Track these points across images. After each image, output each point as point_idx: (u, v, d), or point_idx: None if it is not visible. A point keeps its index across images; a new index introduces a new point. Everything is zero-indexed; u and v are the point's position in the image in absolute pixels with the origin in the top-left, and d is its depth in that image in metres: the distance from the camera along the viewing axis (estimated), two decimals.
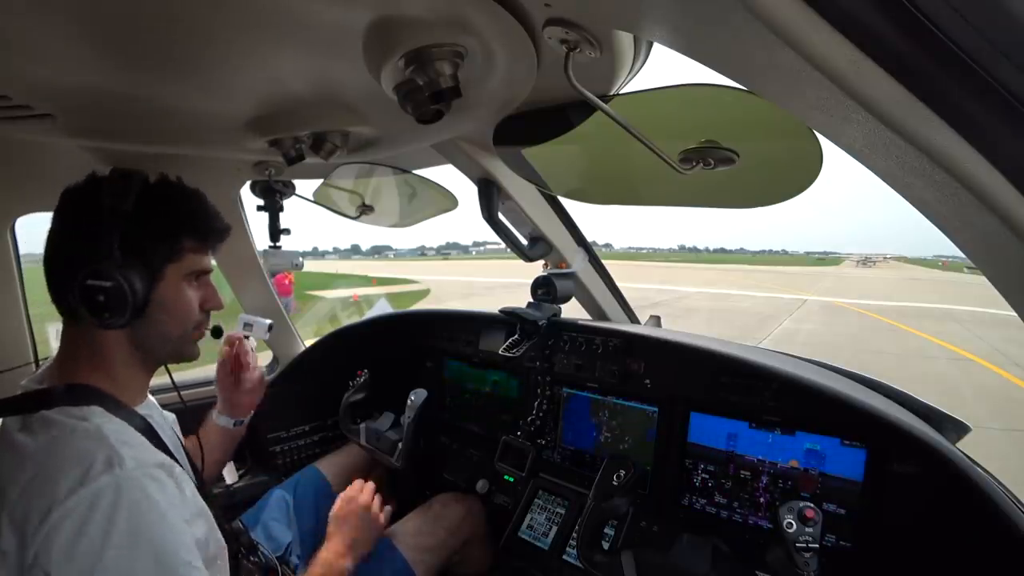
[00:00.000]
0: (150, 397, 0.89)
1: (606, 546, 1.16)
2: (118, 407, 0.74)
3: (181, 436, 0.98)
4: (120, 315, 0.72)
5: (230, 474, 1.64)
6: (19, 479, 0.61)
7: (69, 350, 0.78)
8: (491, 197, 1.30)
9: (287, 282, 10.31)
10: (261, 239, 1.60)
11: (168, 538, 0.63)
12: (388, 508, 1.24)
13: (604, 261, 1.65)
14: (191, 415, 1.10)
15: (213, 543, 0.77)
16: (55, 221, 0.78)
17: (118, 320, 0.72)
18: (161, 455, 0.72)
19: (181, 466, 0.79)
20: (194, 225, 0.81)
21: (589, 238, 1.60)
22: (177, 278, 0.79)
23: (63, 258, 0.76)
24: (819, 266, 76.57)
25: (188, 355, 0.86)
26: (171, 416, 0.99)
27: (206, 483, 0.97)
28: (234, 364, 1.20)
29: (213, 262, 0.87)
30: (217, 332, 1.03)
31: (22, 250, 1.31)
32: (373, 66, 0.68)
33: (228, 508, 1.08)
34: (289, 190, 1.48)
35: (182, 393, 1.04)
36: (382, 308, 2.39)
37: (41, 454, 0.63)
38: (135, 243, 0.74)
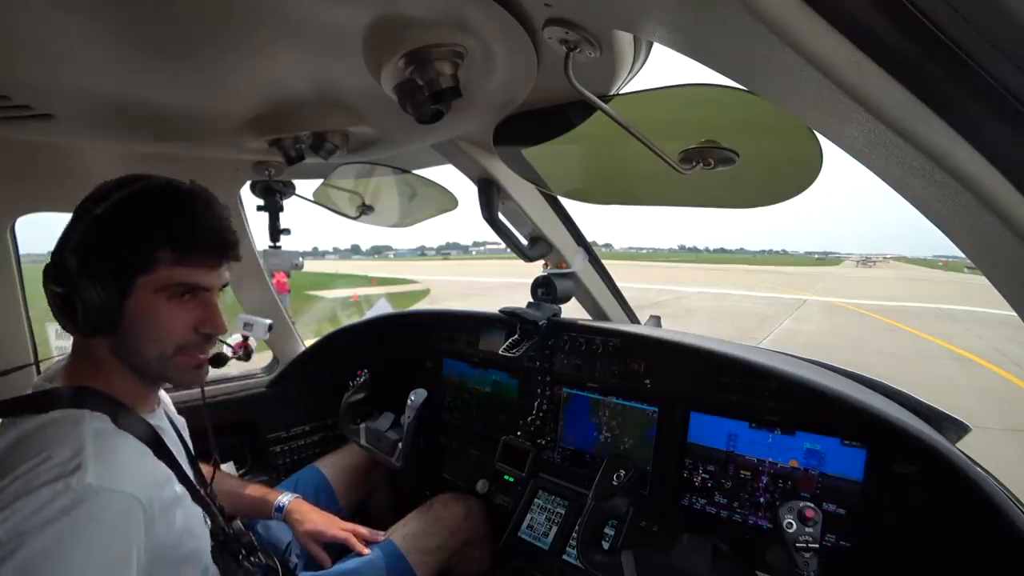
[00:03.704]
0: (162, 406, 0.86)
1: (606, 546, 1.16)
2: (122, 412, 0.72)
3: (190, 442, 0.94)
4: (75, 323, 0.67)
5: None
6: None
7: (74, 352, 0.77)
8: (491, 197, 1.30)
9: (281, 282, 10.23)
10: (261, 239, 1.61)
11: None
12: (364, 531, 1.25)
13: (604, 261, 1.65)
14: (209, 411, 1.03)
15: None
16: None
17: (79, 328, 0.68)
18: (139, 480, 0.66)
19: (184, 474, 0.78)
20: (172, 235, 0.70)
21: (589, 238, 1.60)
22: (149, 292, 0.70)
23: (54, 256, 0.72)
24: (819, 266, 76.58)
25: (173, 381, 0.77)
26: (181, 420, 0.96)
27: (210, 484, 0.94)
28: None
29: (226, 276, 0.79)
30: (219, 361, 0.93)
31: (22, 250, 1.31)
32: (373, 66, 0.68)
33: None
34: (289, 190, 1.48)
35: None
36: (382, 308, 2.38)
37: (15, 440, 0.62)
38: (101, 250, 0.67)
